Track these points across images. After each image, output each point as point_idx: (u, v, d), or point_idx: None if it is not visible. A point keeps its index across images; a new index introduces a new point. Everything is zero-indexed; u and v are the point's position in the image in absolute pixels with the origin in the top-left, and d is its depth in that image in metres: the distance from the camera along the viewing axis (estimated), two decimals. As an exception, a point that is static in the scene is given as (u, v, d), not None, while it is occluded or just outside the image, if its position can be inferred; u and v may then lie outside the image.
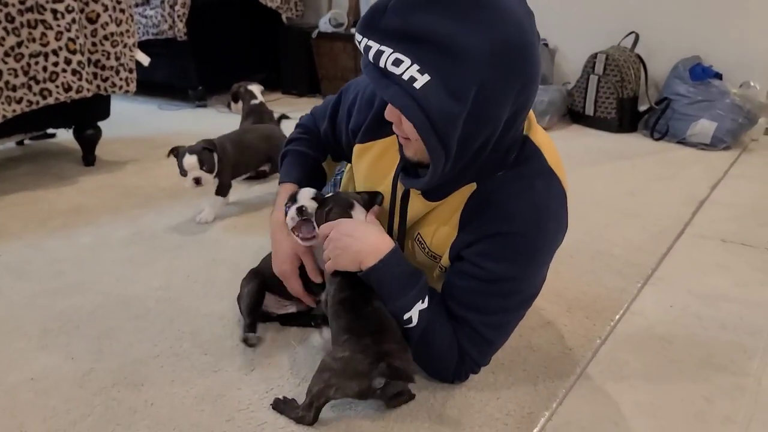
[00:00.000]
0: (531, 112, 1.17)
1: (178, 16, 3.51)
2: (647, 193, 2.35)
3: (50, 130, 2.95)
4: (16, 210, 2.17)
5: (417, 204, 1.24)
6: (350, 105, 1.36)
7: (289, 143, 1.51)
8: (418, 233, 1.29)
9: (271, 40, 4.04)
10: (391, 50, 0.96)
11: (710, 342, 1.43)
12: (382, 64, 0.97)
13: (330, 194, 1.33)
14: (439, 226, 1.24)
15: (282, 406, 1.19)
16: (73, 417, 1.17)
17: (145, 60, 2.68)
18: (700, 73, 2.97)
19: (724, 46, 3.05)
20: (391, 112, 1.06)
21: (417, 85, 0.94)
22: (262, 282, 1.44)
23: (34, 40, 2.27)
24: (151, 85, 3.57)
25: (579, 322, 1.49)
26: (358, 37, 1.02)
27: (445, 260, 1.25)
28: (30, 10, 2.22)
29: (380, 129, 1.27)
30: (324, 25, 3.79)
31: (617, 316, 1.52)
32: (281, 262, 1.35)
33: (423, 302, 1.16)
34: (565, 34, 3.42)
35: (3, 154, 2.81)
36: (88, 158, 2.66)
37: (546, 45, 3.44)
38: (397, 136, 1.13)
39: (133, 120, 3.41)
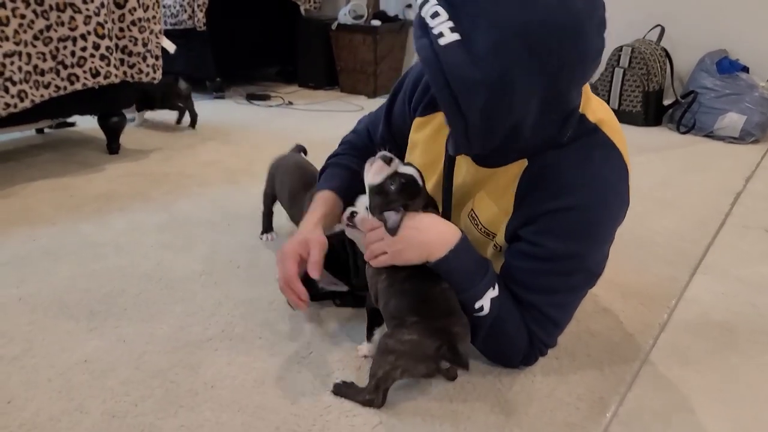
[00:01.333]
0: (587, 89, 1.13)
1: (198, 6, 3.47)
2: (680, 184, 2.33)
3: (71, 119, 2.92)
4: (46, 196, 2.13)
5: (465, 168, 1.21)
6: (412, 87, 1.33)
7: (331, 158, 1.47)
8: (472, 209, 1.25)
9: (289, 32, 4.01)
10: (435, 2, 0.93)
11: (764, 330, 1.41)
12: (423, 13, 0.94)
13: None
14: (492, 201, 1.20)
15: (345, 390, 1.16)
16: (133, 398, 1.14)
17: (171, 47, 2.65)
18: (728, 66, 2.95)
19: (751, 40, 3.03)
20: None
21: (442, 41, 0.91)
22: None
23: (62, 24, 2.23)
24: (168, 75, 3.52)
25: (634, 308, 1.47)
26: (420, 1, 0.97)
27: (500, 239, 1.21)
28: (59, -8, 2.19)
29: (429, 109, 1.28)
30: (343, 17, 3.76)
31: (672, 303, 1.50)
32: (283, 252, 1.27)
33: (494, 289, 1.12)
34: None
35: (24, 142, 2.77)
36: (113, 146, 2.62)
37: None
38: None
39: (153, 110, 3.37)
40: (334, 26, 3.77)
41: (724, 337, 1.38)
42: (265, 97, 3.69)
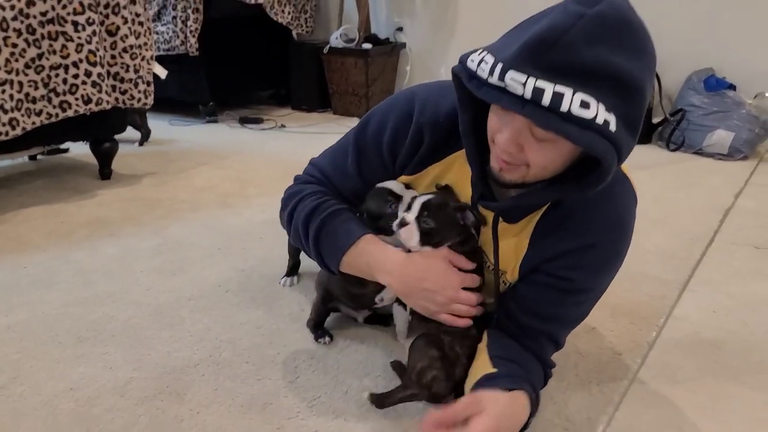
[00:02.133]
0: None
1: (191, 32, 3.50)
2: (671, 201, 2.33)
3: (63, 145, 2.93)
4: (37, 223, 2.13)
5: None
6: (391, 141, 1.22)
7: (317, 211, 1.24)
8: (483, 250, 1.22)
9: (281, 56, 4.04)
10: (572, 90, 0.85)
11: (761, 347, 1.41)
12: (564, 107, 0.84)
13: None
14: (507, 239, 1.16)
15: (385, 399, 1.17)
16: (118, 426, 1.13)
17: (162, 73, 2.67)
18: (714, 84, 2.98)
19: (736, 58, 3.06)
20: (512, 142, 0.94)
21: (612, 128, 0.86)
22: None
23: (54, 52, 2.25)
24: (161, 100, 3.54)
25: (624, 327, 1.47)
26: (512, 74, 0.87)
27: (511, 275, 1.18)
28: (51, 21, 2.21)
29: (433, 156, 1.19)
30: (335, 40, 3.79)
31: (662, 321, 1.50)
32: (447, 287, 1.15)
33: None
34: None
35: (17, 169, 2.78)
36: (105, 171, 2.63)
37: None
38: (494, 162, 1.02)
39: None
40: (325, 50, 3.80)
41: (714, 355, 1.38)
42: (258, 121, 3.71)
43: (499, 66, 0.88)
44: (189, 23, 3.49)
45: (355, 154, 1.26)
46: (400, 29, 4.04)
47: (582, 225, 1.08)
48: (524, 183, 1.01)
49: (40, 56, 2.21)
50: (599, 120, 0.85)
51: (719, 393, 1.24)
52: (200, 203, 2.33)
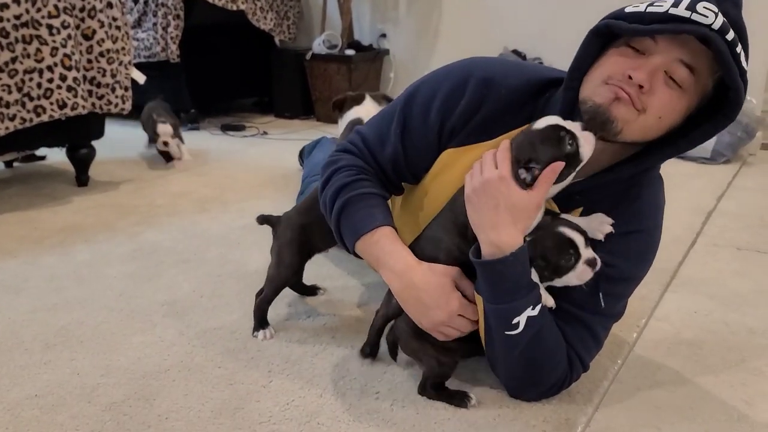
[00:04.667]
0: None
1: (171, 38, 3.47)
2: (653, 204, 2.32)
3: (41, 152, 2.89)
4: (10, 229, 2.09)
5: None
6: (443, 107, 1.17)
7: (347, 188, 1.19)
8: None
9: (264, 63, 4.02)
10: (737, 39, 0.96)
11: (741, 346, 1.39)
12: (738, 50, 0.96)
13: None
14: None
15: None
16: (84, 430, 1.09)
17: (140, 78, 2.64)
18: (697, 88, 2.98)
19: (718, 62, 3.07)
20: (650, 77, 0.97)
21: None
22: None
23: (28, 56, 2.21)
24: (143, 108, 3.51)
25: (604, 328, 1.44)
26: (705, 4, 0.94)
27: None
28: (25, 25, 2.18)
29: (485, 130, 1.15)
30: (318, 46, 3.78)
31: (643, 322, 1.48)
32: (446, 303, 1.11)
33: (533, 309, 1.05)
34: (558, 53, 3.41)
35: (-9, 176, 2.73)
36: (82, 178, 2.58)
37: (541, 63, 3.45)
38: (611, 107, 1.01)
39: (124, 142, 3.34)
40: (308, 56, 3.79)
41: (695, 355, 1.36)
42: (240, 128, 3.67)
43: (686, 1, 0.95)
44: (170, 30, 3.47)
45: (399, 121, 1.21)
46: (383, 36, 4.04)
47: (629, 210, 1.11)
48: (621, 133, 1.01)
49: (13, 60, 2.17)
50: (748, 75, 0.97)
51: (698, 393, 1.22)
52: (177, 209, 2.29)
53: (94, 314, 1.51)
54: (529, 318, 1.05)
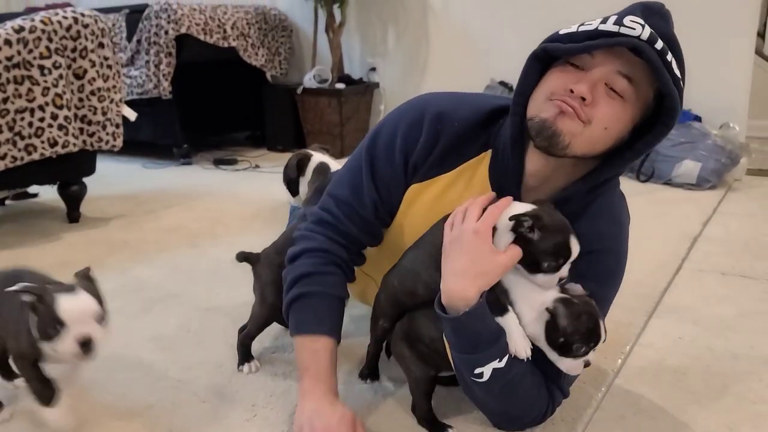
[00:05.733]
0: None
1: (163, 75, 3.53)
2: (640, 230, 2.31)
3: (33, 190, 2.91)
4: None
5: None
6: (403, 147, 1.19)
7: (308, 278, 1.20)
8: None
9: (255, 97, 4.07)
10: (668, 48, 1.01)
11: (725, 372, 1.39)
12: (669, 58, 1.01)
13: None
14: None
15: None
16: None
17: (131, 115, 2.67)
18: (681, 116, 3.02)
19: (702, 90, 3.11)
20: (591, 89, 1.01)
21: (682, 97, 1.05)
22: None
23: (20, 96, 2.25)
24: (135, 144, 3.54)
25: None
26: (631, 18, 1.01)
27: None
28: (17, 66, 2.22)
29: (443, 163, 1.18)
30: (309, 81, 3.83)
31: (627, 348, 1.49)
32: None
33: (500, 361, 1.04)
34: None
35: (-17, 215, 2.75)
36: (73, 215, 2.60)
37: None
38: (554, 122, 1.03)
39: (117, 178, 3.38)
40: (299, 90, 3.84)
41: (678, 381, 1.36)
42: (232, 162, 3.71)
43: (614, 17, 1.02)
44: (162, 67, 3.53)
45: (368, 167, 1.22)
46: (373, 69, 4.10)
47: (590, 230, 1.10)
48: (569, 148, 1.03)
49: (5, 100, 2.21)
50: (683, 83, 1.04)
51: (681, 419, 1.22)
52: (167, 244, 2.30)
53: (80, 351, 1.51)
54: (494, 370, 1.04)
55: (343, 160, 1.35)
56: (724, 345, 1.51)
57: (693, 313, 1.68)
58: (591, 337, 1.02)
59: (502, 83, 3.53)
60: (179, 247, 2.27)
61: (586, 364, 1.04)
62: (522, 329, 1.05)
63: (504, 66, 3.61)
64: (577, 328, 1.01)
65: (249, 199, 2.92)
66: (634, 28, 0.99)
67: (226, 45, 3.69)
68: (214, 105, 3.98)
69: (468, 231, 1.03)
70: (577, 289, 1.06)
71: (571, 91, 1.01)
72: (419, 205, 1.20)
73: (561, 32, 1.06)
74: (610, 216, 1.16)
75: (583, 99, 1.01)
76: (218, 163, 3.70)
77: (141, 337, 1.58)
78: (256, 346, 1.45)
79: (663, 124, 1.05)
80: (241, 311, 1.66)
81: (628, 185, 3.01)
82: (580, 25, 1.05)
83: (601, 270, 1.13)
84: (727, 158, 2.90)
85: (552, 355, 1.04)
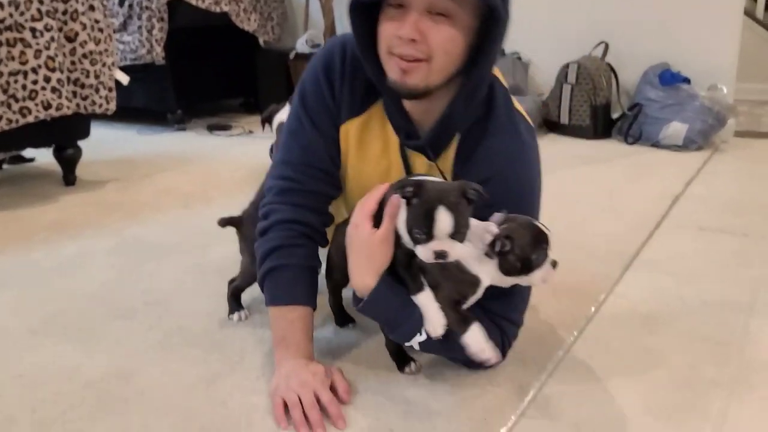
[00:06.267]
0: None
1: (156, 41, 3.54)
2: (624, 191, 2.40)
3: (29, 154, 2.95)
4: (-2, 227, 2.16)
5: (419, 166, 1.26)
6: (327, 83, 1.25)
7: (279, 252, 1.24)
8: None
9: (248, 63, 4.08)
10: None
11: (692, 317, 1.46)
12: None
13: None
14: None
15: None
16: (63, 407, 1.16)
17: (124, 79, 2.70)
18: (669, 78, 3.06)
19: (691, 52, 3.15)
20: (415, 27, 1.05)
21: None
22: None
23: (13, 59, 2.28)
24: (130, 110, 3.57)
25: (564, 305, 1.51)
26: None
27: None
28: (9, 28, 2.24)
29: (362, 102, 1.26)
30: (301, 46, 3.85)
31: (601, 298, 1.55)
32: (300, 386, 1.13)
33: (421, 335, 1.12)
34: (538, 47, 3.51)
35: (-19, 178, 2.80)
36: (69, 178, 2.65)
37: (519, 58, 3.52)
38: (401, 64, 1.10)
39: (113, 144, 3.41)
40: (292, 55, 3.86)
41: (648, 326, 1.43)
42: (226, 127, 3.74)
43: None
44: (154, 32, 3.53)
45: (307, 120, 1.27)
46: (365, 34, 4.10)
47: (487, 155, 1.18)
48: (428, 88, 1.11)
49: (-2, 62, 2.24)
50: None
51: (647, 360, 1.29)
52: (161, 205, 2.36)
53: (77, 303, 1.58)
54: (421, 343, 1.14)
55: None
56: (695, 293, 1.57)
57: (668, 265, 1.75)
58: (539, 241, 1.08)
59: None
60: (172, 208, 2.33)
61: (554, 264, 1.11)
62: (436, 305, 1.09)
63: (513, 35, 3.62)
64: (522, 246, 1.07)
65: (242, 163, 2.96)
66: None
67: (218, 10, 3.69)
68: (207, 71, 3.99)
69: (351, 228, 1.14)
70: (496, 218, 1.10)
71: (399, 38, 1.07)
72: (352, 142, 1.28)
73: None
74: (508, 132, 1.21)
75: (413, 40, 1.06)
76: (212, 128, 3.73)
77: (136, 290, 1.64)
78: (246, 296, 1.51)
79: (492, 40, 1.10)
80: (233, 268, 1.71)
81: (615, 148, 3.11)
82: None
83: (513, 188, 1.18)
84: (714, 120, 2.93)
85: (524, 281, 1.12)
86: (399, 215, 1.08)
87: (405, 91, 1.13)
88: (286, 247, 1.24)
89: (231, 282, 1.51)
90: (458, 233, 1.02)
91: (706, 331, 1.39)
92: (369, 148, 1.28)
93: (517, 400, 1.15)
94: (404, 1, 1.07)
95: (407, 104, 1.20)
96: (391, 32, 1.09)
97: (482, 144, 1.20)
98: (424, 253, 1.03)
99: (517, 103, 1.27)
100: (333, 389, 1.15)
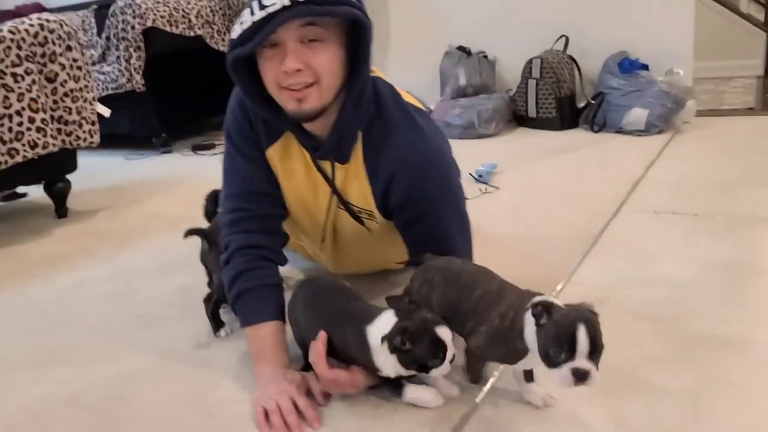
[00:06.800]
0: None
1: (135, 69, 3.66)
2: (588, 179, 2.53)
3: (21, 190, 3.07)
4: (-4, 265, 2.28)
5: (338, 173, 1.40)
6: (246, 126, 1.43)
7: (243, 276, 1.38)
8: (347, 201, 1.44)
9: (226, 81, 4.17)
10: None
11: (641, 298, 1.58)
12: None
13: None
14: (355, 183, 1.40)
15: None
16: (68, 430, 1.28)
17: (105, 112, 2.83)
18: (628, 66, 3.18)
19: (647, 39, 3.28)
20: (297, 57, 1.18)
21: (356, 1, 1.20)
22: None
23: (-3, 104, 2.40)
24: (116, 137, 3.69)
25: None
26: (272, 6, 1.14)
27: (377, 214, 1.42)
28: (-9, 76, 2.36)
29: (272, 132, 1.40)
30: (275, 61, 3.95)
31: (559, 287, 1.67)
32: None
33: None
34: (502, 45, 3.64)
35: (-23, 217, 2.92)
36: (61, 210, 2.77)
37: (486, 57, 3.64)
38: (294, 94, 1.23)
39: (102, 172, 3.54)
40: (267, 72, 3.96)
41: (600, 310, 1.53)
42: (209, 146, 3.86)
43: (255, 3, 1.16)
44: (132, 61, 3.66)
45: (239, 155, 1.44)
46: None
47: (391, 150, 1.32)
48: (324, 107, 1.25)
49: (-17, 109, 2.36)
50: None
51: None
52: (150, 230, 2.48)
53: (75, 332, 1.70)
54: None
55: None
56: (646, 275, 1.70)
57: (623, 250, 1.87)
58: (436, 348, 1.13)
59: (460, 48, 3.67)
60: (161, 232, 2.45)
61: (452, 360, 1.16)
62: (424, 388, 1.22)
63: (462, 32, 3.75)
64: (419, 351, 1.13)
65: (226, 181, 3.08)
66: (278, 3, 1.14)
67: (192, 34, 3.82)
68: (187, 93, 4.11)
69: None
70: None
71: (286, 72, 1.19)
72: (278, 165, 1.43)
73: (234, 38, 1.21)
74: (403, 123, 1.34)
75: (299, 70, 1.19)
76: (196, 149, 3.85)
77: (130, 315, 1.76)
78: (232, 315, 1.63)
79: (360, 41, 1.23)
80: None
81: (581, 136, 3.24)
82: (240, 23, 1.20)
83: (422, 173, 1.32)
84: (673, 102, 3.06)
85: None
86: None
87: (304, 116, 1.27)
88: (247, 271, 1.38)
89: (207, 300, 1.63)
90: None
91: (652, 312, 1.51)
92: (293, 167, 1.43)
93: (473, 389, 1.27)
94: (277, 39, 1.19)
95: (309, 127, 1.34)
96: (275, 69, 1.21)
97: (383, 141, 1.33)
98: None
99: (406, 94, 1.41)
100: (309, 394, 1.27)
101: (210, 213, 1.81)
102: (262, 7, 1.15)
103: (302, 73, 1.20)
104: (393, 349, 1.12)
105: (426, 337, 1.12)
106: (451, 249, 1.36)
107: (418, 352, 1.12)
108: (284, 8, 1.14)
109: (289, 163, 1.43)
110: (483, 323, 1.15)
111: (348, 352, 1.23)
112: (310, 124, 1.32)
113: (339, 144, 1.35)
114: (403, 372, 1.17)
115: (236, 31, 1.21)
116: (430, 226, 1.36)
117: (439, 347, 1.13)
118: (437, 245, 1.34)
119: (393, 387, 1.23)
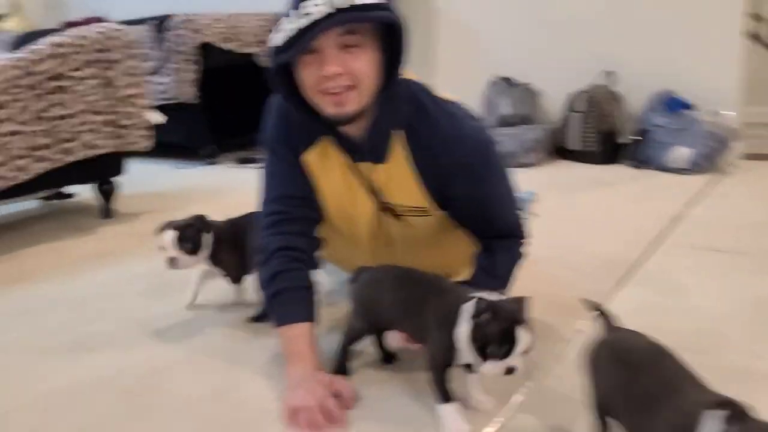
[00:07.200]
0: None
1: (190, 82, 3.79)
2: (626, 212, 2.52)
3: (69, 191, 3.19)
4: (43, 259, 2.37)
5: (376, 174, 1.43)
6: (286, 133, 1.47)
7: (281, 277, 1.42)
8: (387, 202, 1.47)
9: (276, 99, 4.29)
10: None
11: (673, 329, 1.53)
12: (357, 1, 1.19)
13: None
14: (399, 182, 1.41)
15: None
16: (101, 412, 1.33)
17: (159, 118, 2.93)
18: (673, 104, 3.18)
19: (694, 79, 3.27)
20: (336, 62, 1.23)
21: (391, 6, 1.25)
22: None
23: (58, 105, 2.51)
24: (167, 146, 3.80)
25: (549, 322, 1.63)
26: (308, 3, 1.19)
27: (433, 208, 1.44)
28: (55, 78, 2.48)
29: (308, 137, 1.44)
30: (323, 82, 4.05)
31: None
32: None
33: None
34: (547, 77, 3.66)
35: (26, 214, 3.04)
36: (107, 211, 2.86)
37: (529, 88, 3.67)
38: (333, 99, 1.27)
39: (151, 178, 3.65)
40: (315, 91, 4.06)
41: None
42: (254, 160, 3.95)
43: (293, 11, 1.21)
44: (187, 74, 3.78)
45: (277, 160, 1.49)
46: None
47: (443, 147, 1.35)
48: (363, 109, 1.30)
49: (45, 109, 2.48)
50: (383, 2, 1.22)
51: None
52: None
53: (113, 324, 1.76)
54: None
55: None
56: (678, 306, 1.69)
57: (657, 281, 1.86)
58: (505, 338, 1.12)
59: (505, 79, 3.71)
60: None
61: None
62: (459, 416, 1.20)
63: (507, 62, 3.79)
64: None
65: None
66: (319, 10, 1.18)
67: (244, 51, 3.94)
68: (237, 107, 4.21)
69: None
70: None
71: (326, 76, 1.23)
72: (315, 169, 1.47)
73: (278, 44, 1.25)
74: (442, 117, 1.36)
75: (339, 74, 1.23)
76: (242, 161, 3.95)
77: (167, 311, 1.81)
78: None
79: (395, 49, 1.28)
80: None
81: (622, 172, 3.23)
82: (282, 32, 1.23)
83: (473, 172, 1.37)
84: (718, 143, 3.03)
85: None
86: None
87: (344, 119, 1.30)
88: (284, 272, 1.41)
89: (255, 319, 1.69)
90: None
91: (677, 340, 1.49)
92: (331, 171, 1.46)
93: (501, 404, 1.28)
94: (316, 46, 1.23)
95: (348, 130, 1.38)
96: (315, 74, 1.25)
97: (431, 137, 1.36)
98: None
99: (440, 91, 1.44)
100: (338, 395, 1.29)
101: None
102: (304, 14, 1.20)
103: (342, 77, 1.24)
104: (474, 315, 1.12)
105: (504, 324, 1.11)
106: (514, 223, 1.50)
107: (489, 330, 1.11)
108: (328, 15, 1.18)
109: (327, 167, 1.46)
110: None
111: (427, 326, 1.23)
112: (347, 126, 1.36)
113: (376, 144, 1.39)
114: (466, 349, 1.14)
115: (278, 38, 1.26)
116: (492, 206, 1.44)
117: (508, 339, 1.10)
118: (501, 224, 1.47)
119: (436, 393, 1.22)
